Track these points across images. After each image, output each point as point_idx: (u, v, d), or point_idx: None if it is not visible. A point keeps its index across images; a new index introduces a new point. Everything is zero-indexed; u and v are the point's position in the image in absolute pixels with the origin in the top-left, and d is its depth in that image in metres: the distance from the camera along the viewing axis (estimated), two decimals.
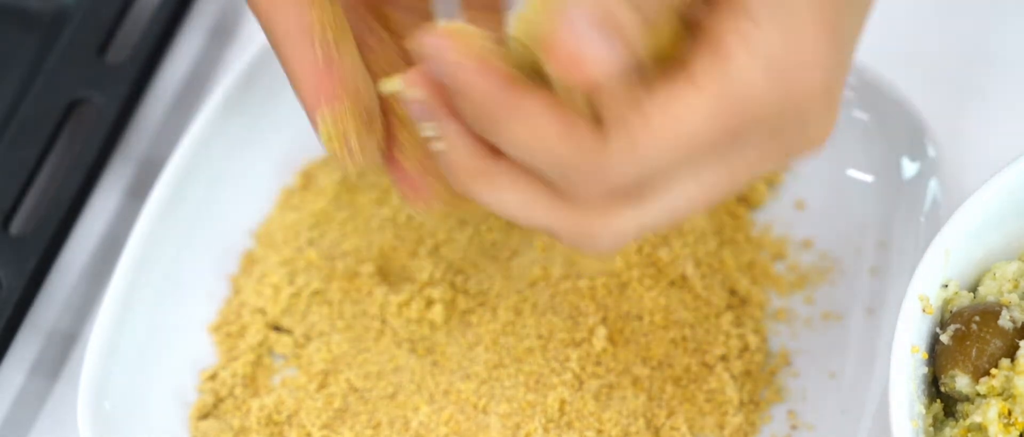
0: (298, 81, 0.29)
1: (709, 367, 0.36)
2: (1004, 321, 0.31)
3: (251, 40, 0.43)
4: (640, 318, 0.36)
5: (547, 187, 0.26)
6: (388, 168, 0.31)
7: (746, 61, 0.24)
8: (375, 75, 0.30)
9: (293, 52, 0.29)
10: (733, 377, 0.35)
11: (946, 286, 0.32)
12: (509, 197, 0.27)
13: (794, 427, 0.35)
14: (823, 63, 0.26)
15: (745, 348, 0.36)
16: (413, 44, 0.25)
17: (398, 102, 0.30)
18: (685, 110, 0.24)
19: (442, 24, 0.26)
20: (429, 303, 0.38)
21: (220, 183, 0.39)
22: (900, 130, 0.40)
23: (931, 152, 0.37)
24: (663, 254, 0.37)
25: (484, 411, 0.36)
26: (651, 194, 0.26)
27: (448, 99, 0.26)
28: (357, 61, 0.30)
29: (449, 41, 0.24)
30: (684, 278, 0.37)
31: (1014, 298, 0.32)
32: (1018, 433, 0.31)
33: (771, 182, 0.39)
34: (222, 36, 0.44)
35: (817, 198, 0.40)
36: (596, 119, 0.24)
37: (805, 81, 0.25)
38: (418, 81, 0.25)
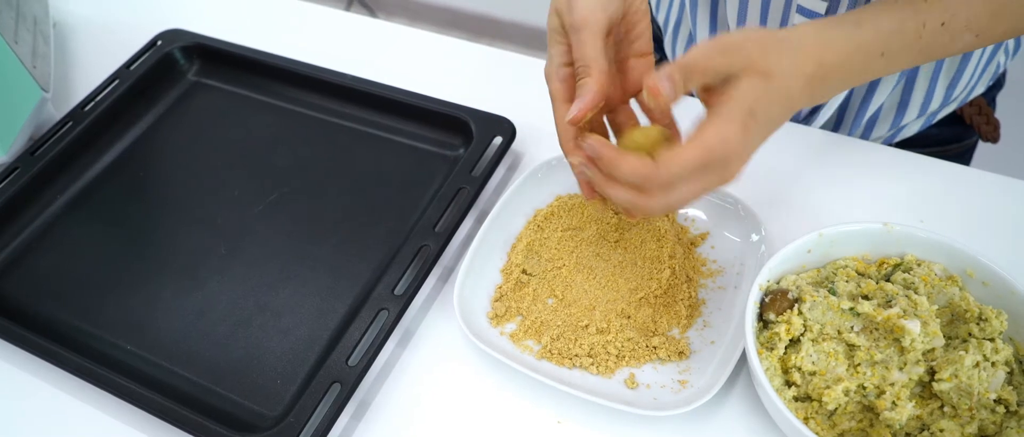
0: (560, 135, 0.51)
1: (677, 301, 0.59)
2: (789, 295, 0.53)
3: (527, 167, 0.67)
4: (661, 281, 0.60)
5: (634, 188, 0.45)
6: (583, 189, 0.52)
7: (709, 140, 0.43)
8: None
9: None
10: (685, 305, 0.58)
11: (767, 282, 0.53)
12: (618, 194, 0.46)
13: (706, 324, 0.58)
14: (735, 143, 0.43)
15: (690, 297, 0.59)
16: (583, 142, 0.46)
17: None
18: (688, 154, 0.43)
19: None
20: (598, 244, 0.62)
21: (506, 214, 0.64)
22: (751, 223, 0.61)
23: (762, 232, 0.60)
24: (665, 256, 0.61)
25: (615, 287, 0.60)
26: (673, 189, 0.45)
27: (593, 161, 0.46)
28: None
29: (598, 143, 0.46)
30: (672, 272, 0.60)
31: (792, 287, 0.53)
32: (790, 338, 0.51)
33: (703, 237, 0.63)
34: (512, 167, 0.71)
35: (721, 245, 0.63)
36: (654, 160, 0.44)
37: (727, 148, 0.43)
38: (582, 154, 0.47)
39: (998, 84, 0.79)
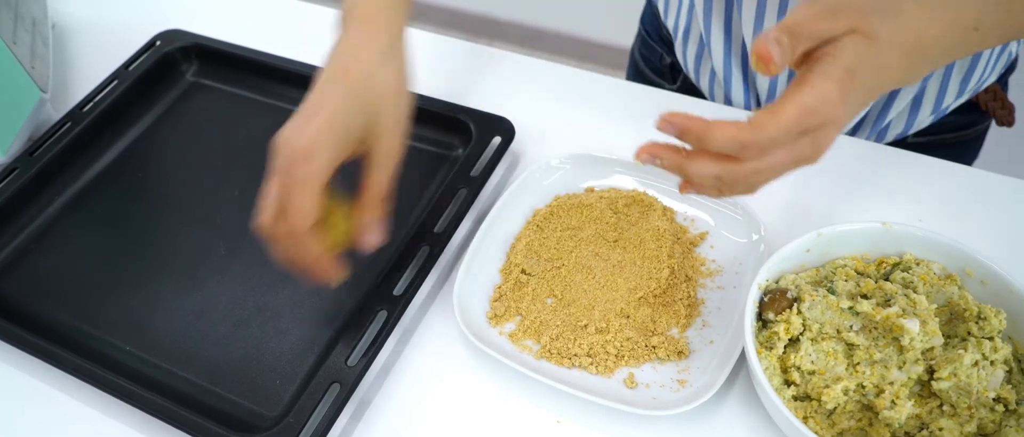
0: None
1: (676, 301, 0.59)
2: (788, 295, 0.53)
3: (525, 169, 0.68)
4: (660, 280, 0.60)
5: (724, 159, 0.42)
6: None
7: (807, 97, 0.40)
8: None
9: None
10: (684, 305, 0.59)
11: (766, 281, 0.54)
12: (705, 168, 0.43)
13: (705, 324, 0.58)
14: (834, 104, 0.40)
15: (689, 296, 0.59)
16: (667, 119, 0.42)
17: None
18: (786, 112, 0.40)
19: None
20: (597, 243, 0.62)
21: (505, 214, 0.65)
22: (751, 222, 0.63)
23: (762, 232, 0.61)
24: (664, 256, 0.61)
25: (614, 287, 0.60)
26: (767, 156, 0.41)
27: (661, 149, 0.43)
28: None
29: (683, 116, 0.41)
30: (671, 271, 0.60)
31: (791, 286, 0.54)
32: (789, 337, 0.51)
33: (702, 237, 0.63)
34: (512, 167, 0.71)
35: (720, 245, 0.63)
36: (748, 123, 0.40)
37: (825, 107, 0.40)
38: (668, 124, 0.42)
39: (1011, 68, 0.79)
